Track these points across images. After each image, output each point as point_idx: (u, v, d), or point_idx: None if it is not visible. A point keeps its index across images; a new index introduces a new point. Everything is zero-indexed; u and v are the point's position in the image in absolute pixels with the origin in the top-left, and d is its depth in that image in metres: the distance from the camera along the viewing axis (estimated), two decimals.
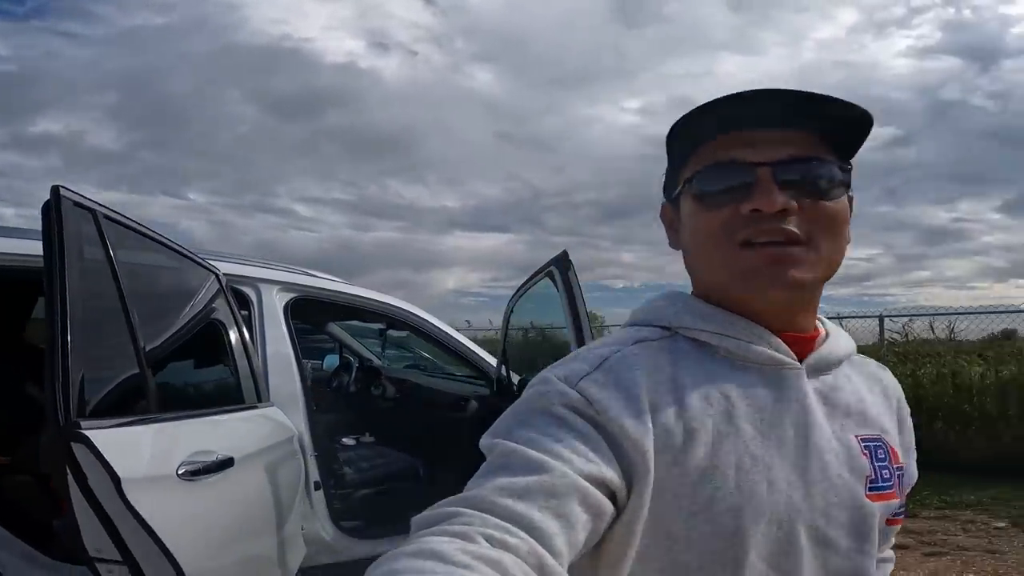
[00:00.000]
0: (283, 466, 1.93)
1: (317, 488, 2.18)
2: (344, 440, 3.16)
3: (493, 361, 2.78)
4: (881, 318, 6.39)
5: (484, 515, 0.40)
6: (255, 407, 1.93)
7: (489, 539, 0.38)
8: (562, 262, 1.86)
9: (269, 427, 1.96)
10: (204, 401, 1.85)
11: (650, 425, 0.49)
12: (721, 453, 0.50)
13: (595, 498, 0.44)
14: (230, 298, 1.95)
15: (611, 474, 0.46)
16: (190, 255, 1.85)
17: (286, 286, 2.35)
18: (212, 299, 1.91)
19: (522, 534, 0.39)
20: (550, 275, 1.93)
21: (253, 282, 2.26)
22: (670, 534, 0.50)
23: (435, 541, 0.37)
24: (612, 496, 0.47)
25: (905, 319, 6.44)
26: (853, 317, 6.87)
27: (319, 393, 3.44)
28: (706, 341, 0.55)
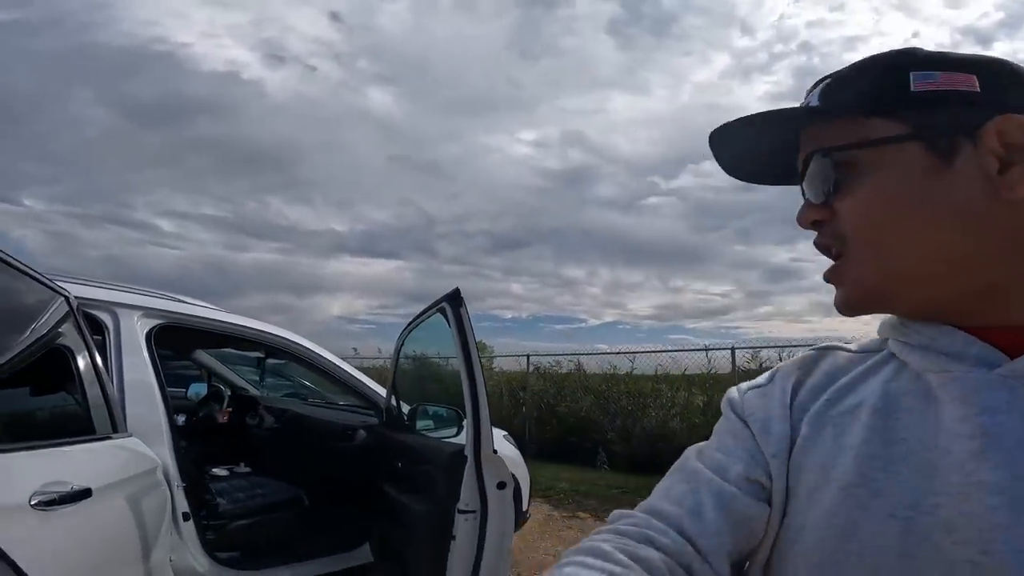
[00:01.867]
0: (145, 497, 1.80)
1: (187, 519, 2.04)
2: (215, 470, 2.96)
3: (380, 390, 2.79)
4: (733, 350, 6.67)
5: (648, 517, 0.46)
6: (109, 437, 1.78)
7: (648, 540, 0.43)
8: (454, 299, 1.95)
9: (126, 457, 1.81)
10: (50, 432, 1.67)
11: (787, 431, 0.48)
12: (853, 467, 0.43)
13: (744, 502, 0.46)
14: (81, 323, 1.80)
15: (763, 476, 0.47)
16: (35, 275, 1.69)
17: (150, 312, 2.20)
18: (59, 323, 1.75)
19: (674, 535, 0.44)
20: (442, 311, 2.02)
21: (110, 307, 2.10)
22: (798, 542, 0.45)
23: (600, 539, 0.44)
24: (769, 499, 0.47)
25: (752, 350, 6.74)
26: (713, 349, 7.34)
27: (188, 423, 3.20)
28: (890, 349, 0.48)
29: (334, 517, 2.75)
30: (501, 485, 1.95)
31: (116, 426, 1.81)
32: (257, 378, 3.86)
